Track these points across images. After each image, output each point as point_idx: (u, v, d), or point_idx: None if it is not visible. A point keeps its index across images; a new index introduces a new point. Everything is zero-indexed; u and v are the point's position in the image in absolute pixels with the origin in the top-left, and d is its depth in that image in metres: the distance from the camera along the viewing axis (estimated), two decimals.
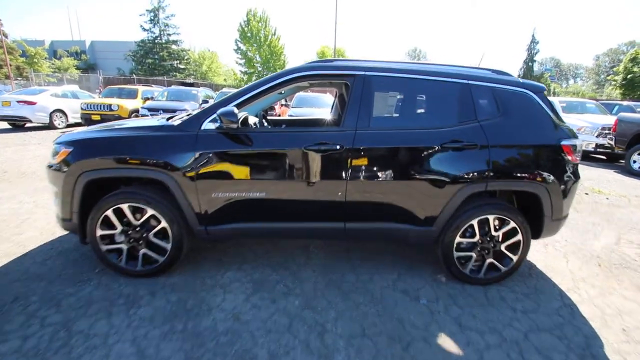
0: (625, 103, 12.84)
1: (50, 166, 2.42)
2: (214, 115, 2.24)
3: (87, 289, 2.36)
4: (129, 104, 11.13)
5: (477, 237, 2.50)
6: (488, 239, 2.51)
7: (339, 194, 2.35)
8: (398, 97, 2.55)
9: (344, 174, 2.31)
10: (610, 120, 8.96)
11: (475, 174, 2.34)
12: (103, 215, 2.34)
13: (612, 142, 8.19)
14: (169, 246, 2.41)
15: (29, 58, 30.87)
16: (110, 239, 2.43)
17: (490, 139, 2.35)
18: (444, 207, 2.39)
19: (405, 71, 2.40)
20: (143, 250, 2.43)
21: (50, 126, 11.23)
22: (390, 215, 2.43)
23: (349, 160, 2.29)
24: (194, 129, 2.29)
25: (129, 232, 2.40)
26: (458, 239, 2.49)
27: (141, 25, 35.82)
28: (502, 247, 2.53)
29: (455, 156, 2.34)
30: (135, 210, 2.37)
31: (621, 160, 8.28)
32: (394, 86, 2.45)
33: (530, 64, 46.51)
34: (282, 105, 12.03)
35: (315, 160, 2.30)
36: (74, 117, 11.71)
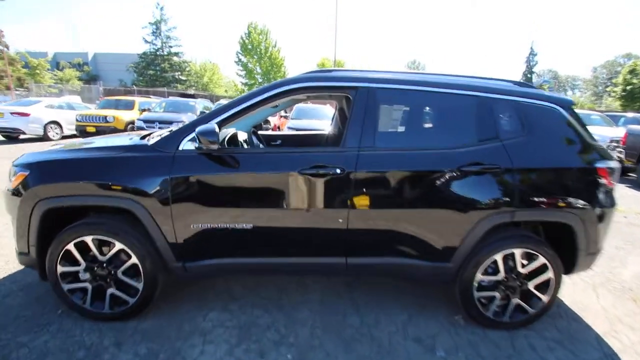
0: (631, 115, 12.59)
1: (8, 190, 2.09)
2: (194, 134, 1.92)
3: (44, 337, 2.00)
4: (126, 116, 10.90)
5: (501, 274, 2.14)
6: (514, 276, 2.16)
7: (340, 225, 2.01)
8: (407, 112, 2.23)
9: (345, 202, 1.98)
10: (618, 132, 8.67)
11: (499, 202, 2.01)
12: (64, 250, 2.00)
13: (622, 155, 7.88)
14: (140, 285, 2.06)
15: (32, 69, 31.07)
16: (73, 277, 2.08)
17: (515, 161, 2.02)
18: (463, 240, 2.04)
19: (415, 83, 2.09)
20: (111, 290, 2.08)
21: (44, 138, 10.97)
22: (400, 250, 2.09)
23: (351, 187, 1.95)
24: (170, 150, 1.97)
25: (95, 269, 2.06)
26: (479, 277, 2.13)
27: (143, 38, 36.19)
28: (531, 286, 2.17)
29: (475, 181, 2.01)
30: (101, 244, 2.02)
31: (630, 174, 7.95)
32: (402, 100, 2.14)
33: (529, 75, 46.71)
34: (281, 116, 11.78)
35: (312, 186, 1.96)
36: (69, 128, 11.47)
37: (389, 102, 2.11)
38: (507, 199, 2.01)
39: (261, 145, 3.03)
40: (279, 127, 11.56)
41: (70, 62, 42.12)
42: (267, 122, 4.10)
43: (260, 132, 3.57)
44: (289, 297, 2.48)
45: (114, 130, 10.32)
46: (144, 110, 11.51)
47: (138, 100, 12.33)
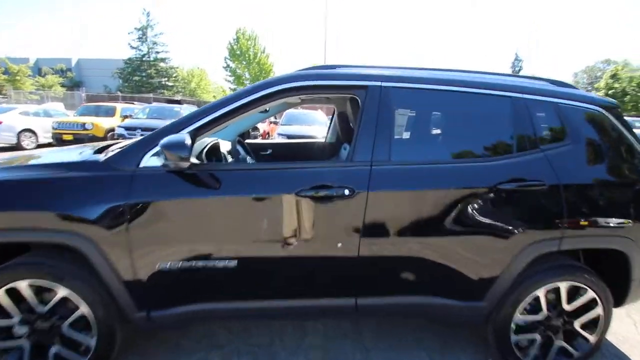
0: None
1: None
2: (159, 147, 1.48)
3: None
4: (106, 123, 10.32)
5: (544, 312, 1.76)
6: (558, 314, 1.78)
7: (349, 259, 1.60)
8: (429, 117, 1.84)
9: (355, 231, 1.57)
10: None
11: (544, 227, 1.63)
12: None
13: None
14: (92, 341, 1.60)
15: (12, 75, 30.00)
16: (5, 333, 1.60)
17: (560, 175, 1.65)
18: (500, 274, 1.66)
19: (437, 81, 1.71)
20: (55, 349, 1.61)
21: (18, 147, 10.28)
22: (421, 286, 1.69)
23: (363, 211, 1.55)
24: (128, 167, 1.53)
25: (33, 322, 1.58)
26: (517, 317, 1.74)
27: (129, 43, 35.38)
28: (576, 325, 1.79)
29: (516, 201, 1.63)
30: (40, 291, 1.56)
31: None
32: (423, 102, 1.75)
33: None
34: (270, 122, 11.36)
35: (313, 212, 1.55)
36: (46, 136, 10.80)
37: (407, 105, 1.73)
38: (554, 223, 1.63)
39: (249, 159, 2.56)
40: (268, 134, 11.14)
41: (52, 68, 40.94)
42: (255, 129, 3.63)
43: (248, 141, 3.15)
44: (284, 343, 2.04)
45: (93, 139, 9.74)
46: (126, 116, 10.94)
47: (120, 106, 11.73)
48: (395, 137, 1.63)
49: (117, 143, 2.00)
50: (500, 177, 1.61)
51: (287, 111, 10.64)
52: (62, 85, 36.80)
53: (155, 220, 1.51)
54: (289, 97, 1.68)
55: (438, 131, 1.74)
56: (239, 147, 2.48)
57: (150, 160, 1.53)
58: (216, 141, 2.10)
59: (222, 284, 1.60)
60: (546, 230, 1.63)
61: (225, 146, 2.29)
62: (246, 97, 1.60)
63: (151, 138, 1.55)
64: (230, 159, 2.21)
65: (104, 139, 10.16)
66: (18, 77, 30.15)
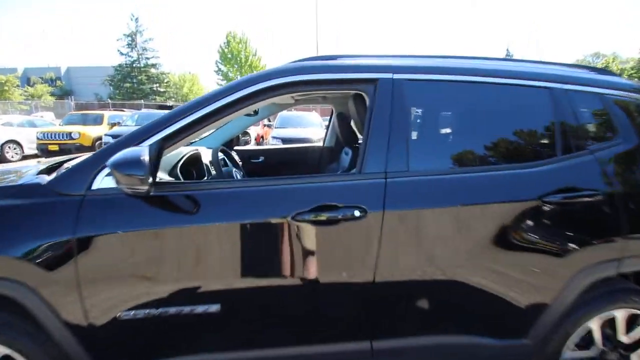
0: None
1: None
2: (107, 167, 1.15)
3: None
4: (93, 131, 9.94)
5: (598, 346, 1.45)
6: (613, 347, 1.47)
7: (361, 294, 1.28)
8: (453, 115, 1.52)
9: (368, 261, 1.25)
10: None
11: (600, 246, 1.33)
12: None
13: None
14: None
15: (0, 85, 29.52)
16: None
17: (615, 182, 1.35)
18: (547, 305, 1.35)
19: (461, 71, 1.39)
20: None
21: (1, 159, 9.85)
22: (452, 323, 1.37)
23: (379, 236, 1.23)
24: (76, 190, 1.19)
25: None
26: (567, 354, 1.43)
27: (119, 50, 34.89)
28: (635, 359, 1.49)
29: (565, 216, 1.32)
30: None
31: None
32: (445, 97, 1.42)
33: None
34: (264, 125, 11.04)
35: (315, 240, 1.23)
36: (31, 147, 10.40)
37: (426, 101, 1.41)
38: (611, 241, 1.33)
39: (235, 171, 2.19)
40: (262, 137, 10.82)
41: (41, 77, 40.31)
42: (245, 133, 3.28)
43: (237, 148, 2.82)
44: None
45: (80, 148, 9.37)
46: (114, 124, 10.55)
47: (107, 113, 11.33)
48: (414, 140, 1.31)
49: (76, 158, 1.66)
50: (546, 186, 1.30)
51: (280, 113, 10.33)
52: (52, 95, 36.34)
53: (112, 257, 1.18)
54: (278, 96, 1.36)
55: (467, 131, 1.41)
56: (225, 157, 2.13)
57: (105, 181, 1.20)
58: (195, 151, 1.77)
59: (203, 332, 1.27)
60: (603, 250, 1.33)
61: (208, 156, 1.96)
62: (225, 97, 1.27)
63: (105, 153, 1.22)
64: (213, 172, 1.88)
65: (92, 148, 9.79)
66: (6, 88, 29.70)
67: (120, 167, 1.04)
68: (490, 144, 1.39)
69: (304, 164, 2.86)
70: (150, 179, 1.07)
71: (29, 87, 34.91)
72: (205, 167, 1.82)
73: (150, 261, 1.20)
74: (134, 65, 35.37)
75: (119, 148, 1.16)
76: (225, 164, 2.07)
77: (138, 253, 1.19)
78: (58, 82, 42.97)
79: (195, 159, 1.73)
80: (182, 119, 1.25)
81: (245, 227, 1.22)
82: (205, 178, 1.75)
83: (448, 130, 1.41)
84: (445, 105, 1.41)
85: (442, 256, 1.29)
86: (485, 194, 1.29)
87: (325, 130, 2.97)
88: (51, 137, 9.62)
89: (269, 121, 11.47)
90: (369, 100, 1.34)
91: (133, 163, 1.03)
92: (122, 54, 35.01)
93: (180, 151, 1.63)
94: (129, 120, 10.58)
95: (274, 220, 1.21)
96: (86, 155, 1.30)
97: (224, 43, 32.78)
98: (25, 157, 10.27)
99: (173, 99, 36.17)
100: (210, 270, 1.23)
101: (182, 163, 1.61)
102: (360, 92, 1.43)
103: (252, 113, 2.00)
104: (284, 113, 10.04)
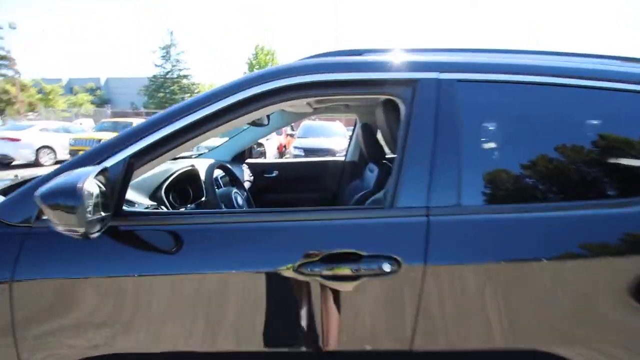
0: None
1: None
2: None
3: None
4: None
5: None
6: None
7: None
8: (523, 128, 1.12)
9: (402, 330, 0.88)
10: None
11: None
12: None
13: None
14: None
15: (46, 94, 31.84)
16: None
17: None
18: None
19: (539, 70, 1.01)
20: None
21: (36, 164, 10.30)
22: None
23: (416, 299, 0.86)
24: (22, 219, 0.92)
25: None
26: None
27: (154, 62, 36.76)
28: None
29: None
30: None
31: None
32: (513, 103, 1.04)
33: None
34: (287, 134, 10.88)
35: (327, 300, 0.88)
36: (64, 153, 10.81)
37: (486, 110, 1.03)
38: None
39: (236, 193, 1.63)
40: (285, 147, 10.65)
41: (83, 87, 43.19)
42: (260, 145, 2.98)
43: (249, 161, 2.55)
44: None
45: None
46: None
47: (137, 121, 11.63)
48: (469, 163, 0.95)
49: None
50: None
51: (304, 123, 10.17)
52: (92, 103, 38.74)
53: (61, 309, 0.89)
54: (288, 102, 1.04)
55: (544, 153, 1.02)
56: (222, 175, 1.79)
57: None
58: (190, 167, 1.49)
59: None
60: None
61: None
62: (215, 103, 0.97)
63: (56, 173, 0.94)
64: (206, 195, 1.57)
65: None
66: (51, 97, 31.95)
67: (48, 199, 0.75)
68: (586, 170, 0.99)
69: (322, 180, 2.54)
70: (99, 214, 0.77)
71: (71, 96, 37.46)
72: (201, 186, 1.54)
73: (110, 316, 0.90)
74: (167, 76, 37.11)
75: (70, 169, 0.88)
76: (229, 182, 1.76)
77: (92, 305, 0.90)
78: (98, 92, 45.85)
79: (191, 177, 1.45)
80: (158, 130, 0.96)
81: (233, 279, 0.89)
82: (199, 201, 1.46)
83: (517, 151, 1.02)
84: (513, 116, 1.03)
85: (514, 326, 0.90)
86: (574, 240, 0.90)
87: (348, 141, 2.64)
88: (82, 144, 9.94)
89: (292, 130, 11.33)
90: (405, 108, 1.00)
91: (64, 194, 0.73)
92: (157, 65, 36.90)
93: (170, 168, 1.35)
94: None
95: (271, 272, 0.88)
96: (35, 177, 1.03)
97: (252, 55, 33.66)
98: (57, 162, 10.71)
99: None
100: (189, 333, 0.91)
101: (172, 182, 1.33)
102: (392, 98, 1.08)
103: (259, 122, 1.71)
104: (307, 122, 9.83)
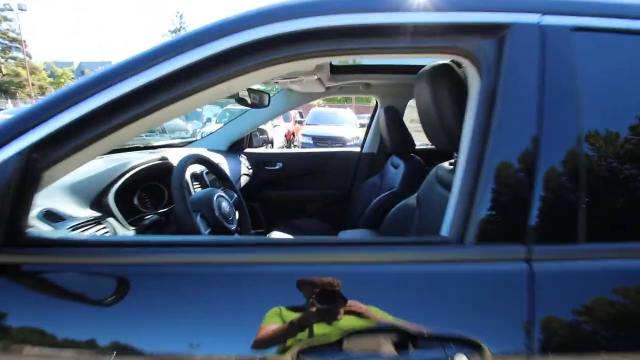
0: None
1: None
2: None
3: None
4: None
5: None
6: None
7: None
8: None
9: None
10: None
11: None
12: None
13: None
14: None
15: (57, 78, 31.96)
16: None
17: None
18: None
19: None
20: None
21: None
22: None
23: None
24: None
25: None
26: None
27: None
28: None
29: None
30: None
31: None
32: None
33: None
34: (296, 121, 10.45)
35: None
36: None
37: (621, 78, 0.62)
38: None
39: (220, 198, 1.09)
40: (293, 134, 10.24)
41: (94, 71, 43.27)
42: (262, 131, 2.57)
43: (248, 150, 2.17)
44: None
45: None
46: None
47: None
48: (595, 168, 0.55)
49: None
50: None
51: (313, 110, 9.69)
52: None
53: None
54: (288, 63, 0.64)
55: None
56: (200, 172, 1.32)
57: None
58: (158, 162, 1.12)
59: None
60: None
61: (189, 168, 1.27)
62: (177, 56, 0.58)
63: None
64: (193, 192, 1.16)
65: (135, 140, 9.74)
66: (62, 80, 32.03)
67: None
68: None
69: (333, 174, 2.16)
70: None
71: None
72: (186, 184, 1.16)
73: None
74: None
75: None
76: (216, 181, 1.36)
77: None
78: None
79: (163, 174, 1.07)
80: (83, 101, 0.58)
81: None
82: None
83: None
84: None
85: None
86: None
87: (366, 130, 2.23)
88: None
89: (301, 117, 10.89)
90: (481, 74, 0.59)
91: None
92: None
93: (128, 161, 0.98)
94: None
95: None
96: None
97: None
98: None
99: None
100: None
101: (132, 182, 0.97)
102: (454, 60, 0.67)
103: (257, 103, 1.32)
104: (317, 109, 9.37)
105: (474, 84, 0.62)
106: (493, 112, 0.56)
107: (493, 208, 0.53)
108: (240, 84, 0.66)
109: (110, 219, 0.84)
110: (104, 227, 0.81)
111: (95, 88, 0.59)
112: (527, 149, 0.54)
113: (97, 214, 0.82)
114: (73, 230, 0.73)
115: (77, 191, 0.82)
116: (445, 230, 0.58)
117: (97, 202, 0.84)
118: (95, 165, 0.93)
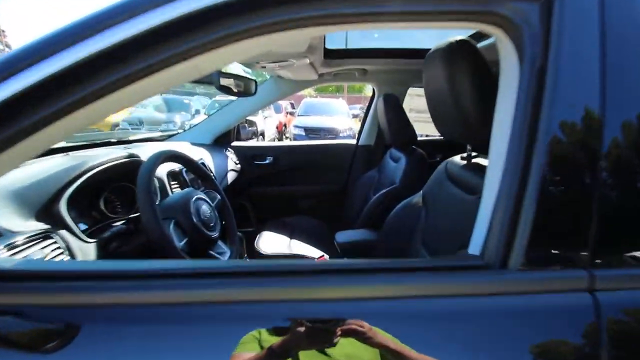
0: None
1: None
2: None
3: None
4: (112, 116, 9.57)
5: None
6: None
7: None
8: None
9: None
10: None
11: None
12: None
13: None
14: None
15: None
16: None
17: None
18: None
19: None
20: None
21: None
22: None
23: None
24: None
25: None
26: None
27: None
28: None
29: None
30: None
31: None
32: None
33: None
34: (287, 112, 10.24)
35: None
36: None
37: None
38: None
39: (200, 202, 0.92)
40: (285, 126, 10.05)
41: None
42: (251, 123, 2.42)
43: (236, 144, 2.02)
44: None
45: (98, 132, 9.04)
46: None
47: None
48: None
49: None
50: None
51: (305, 100, 9.48)
52: None
53: None
54: (275, 33, 0.49)
55: None
56: (175, 170, 1.16)
57: None
58: (125, 160, 0.97)
59: None
60: None
61: (164, 167, 1.11)
62: (132, 18, 0.43)
63: None
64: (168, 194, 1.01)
65: (108, 134, 9.43)
66: None
67: None
68: None
69: (328, 168, 2.03)
70: None
71: None
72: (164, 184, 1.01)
73: None
74: None
75: None
76: (197, 180, 1.20)
77: None
78: None
79: (132, 172, 0.91)
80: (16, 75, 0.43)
81: None
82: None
83: None
84: None
85: None
86: None
87: (362, 120, 2.09)
88: None
89: (293, 108, 10.68)
90: (521, 49, 0.46)
91: None
92: None
93: (87, 160, 0.83)
94: (150, 105, 10.12)
95: None
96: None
97: None
98: None
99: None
100: None
101: (93, 184, 0.82)
102: (483, 30, 0.54)
103: (243, 91, 1.18)
104: (308, 100, 9.16)
105: (510, 62, 0.48)
106: (541, 97, 0.43)
107: (547, 222, 0.40)
108: (211, 63, 0.51)
109: (62, 231, 0.70)
110: (54, 242, 0.67)
111: (21, 64, 0.44)
112: (591, 138, 0.41)
113: (45, 226, 0.67)
114: (10, 249, 0.59)
115: (18, 198, 0.67)
116: (475, 248, 0.45)
117: (45, 210, 0.69)
118: (44, 166, 0.78)
